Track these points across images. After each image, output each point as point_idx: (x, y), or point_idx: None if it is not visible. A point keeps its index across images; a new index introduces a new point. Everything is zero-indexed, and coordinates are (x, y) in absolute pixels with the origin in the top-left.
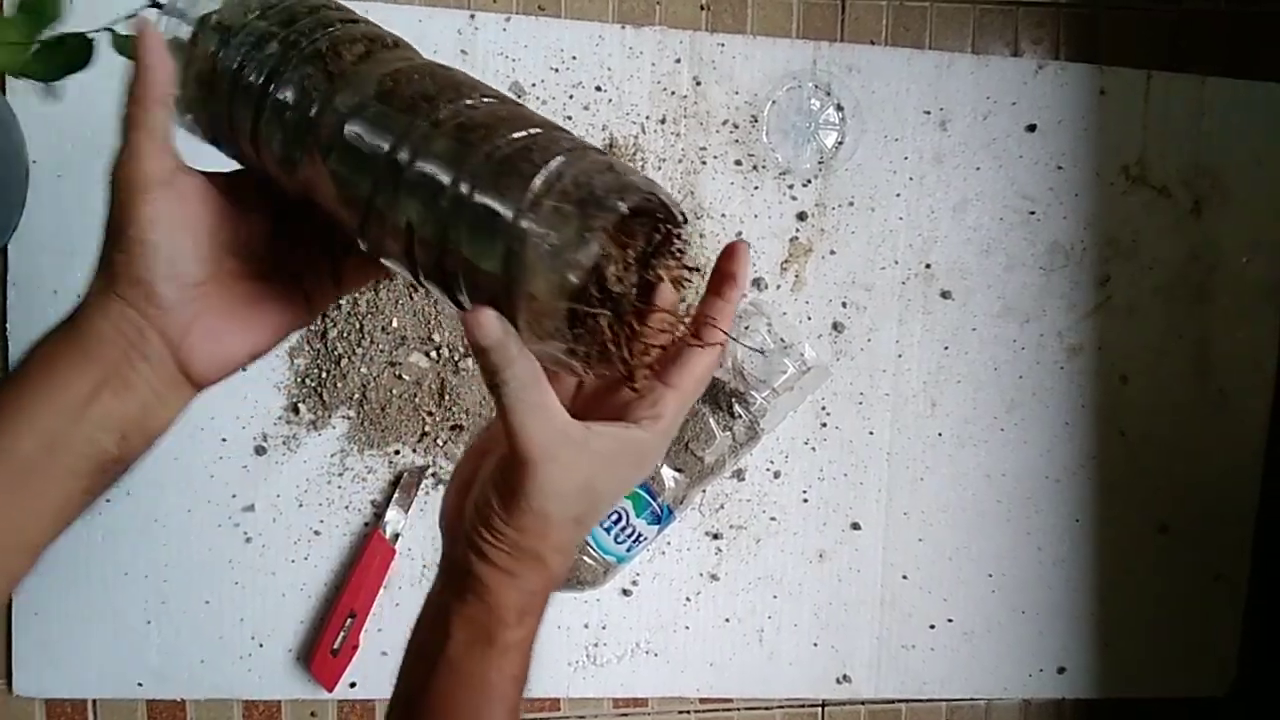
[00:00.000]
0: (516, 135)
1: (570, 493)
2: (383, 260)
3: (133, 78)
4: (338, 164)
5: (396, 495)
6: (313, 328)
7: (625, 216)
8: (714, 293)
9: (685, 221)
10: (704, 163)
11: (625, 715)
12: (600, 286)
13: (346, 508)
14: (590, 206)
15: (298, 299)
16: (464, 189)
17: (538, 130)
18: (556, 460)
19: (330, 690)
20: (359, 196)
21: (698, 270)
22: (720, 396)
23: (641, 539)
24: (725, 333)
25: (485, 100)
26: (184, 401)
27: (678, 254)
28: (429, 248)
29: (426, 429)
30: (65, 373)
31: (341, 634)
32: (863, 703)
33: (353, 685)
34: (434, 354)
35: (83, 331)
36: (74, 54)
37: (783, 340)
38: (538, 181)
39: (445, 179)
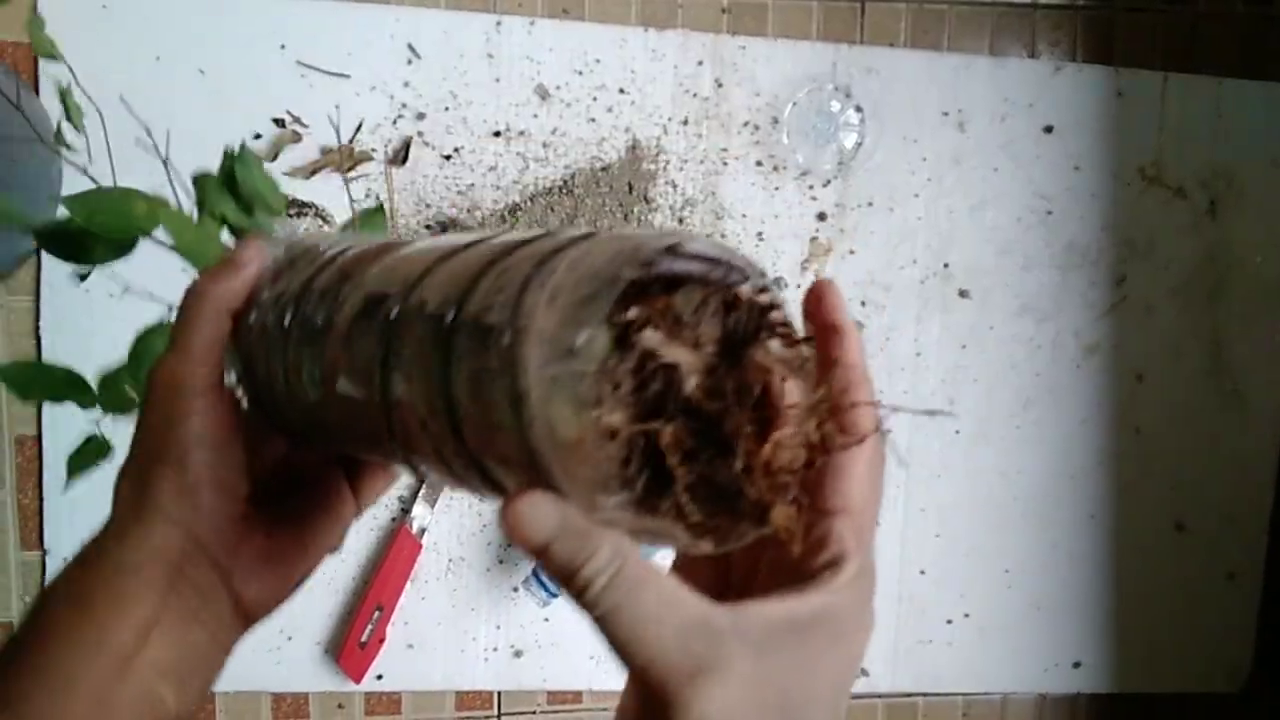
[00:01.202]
0: (525, 254)
1: (748, 717)
2: (413, 462)
3: (213, 273)
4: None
5: (423, 491)
6: None
7: (650, 284)
8: (829, 360)
9: (764, 277)
10: (725, 164)
11: None
12: (670, 394)
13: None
14: (587, 287)
15: (329, 515)
16: (453, 321)
17: (541, 248)
18: (711, 674)
19: (358, 682)
20: (371, 390)
21: (810, 342)
22: None
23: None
24: (877, 406)
25: (486, 244)
26: (235, 642)
27: (779, 328)
28: (440, 423)
29: None
30: (104, 615)
31: (369, 627)
32: (880, 697)
33: (379, 677)
34: None
35: (118, 563)
36: None
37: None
38: (531, 294)
39: (437, 317)
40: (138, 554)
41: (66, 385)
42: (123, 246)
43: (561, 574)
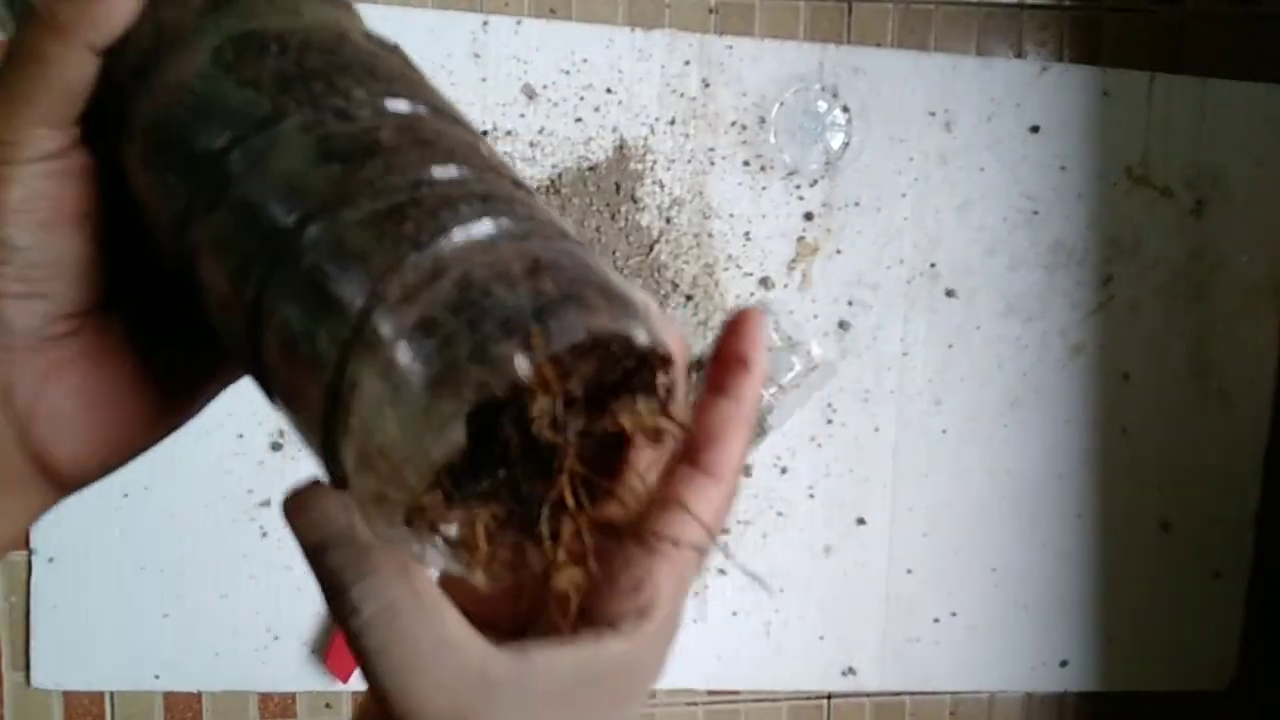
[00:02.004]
0: (433, 175)
1: None
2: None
3: None
4: (150, 159)
5: None
6: None
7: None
8: (717, 389)
9: (667, 361)
10: (712, 163)
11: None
12: (516, 428)
13: None
14: (469, 349)
15: (179, 380)
16: (310, 238)
17: (463, 172)
18: None
19: (345, 682)
20: (172, 209)
21: (684, 428)
22: None
23: None
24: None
25: (406, 107)
26: (29, 512)
27: (657, 393)
28: (248, 318)
29: None
30: None
31: None
32: (868, 695)
33: None
34: None
35: None
36: None
37: (790, 338)
38: (412, 264)
39: (287, 218)
40: None
41: None
42: None
43: (328, 589)
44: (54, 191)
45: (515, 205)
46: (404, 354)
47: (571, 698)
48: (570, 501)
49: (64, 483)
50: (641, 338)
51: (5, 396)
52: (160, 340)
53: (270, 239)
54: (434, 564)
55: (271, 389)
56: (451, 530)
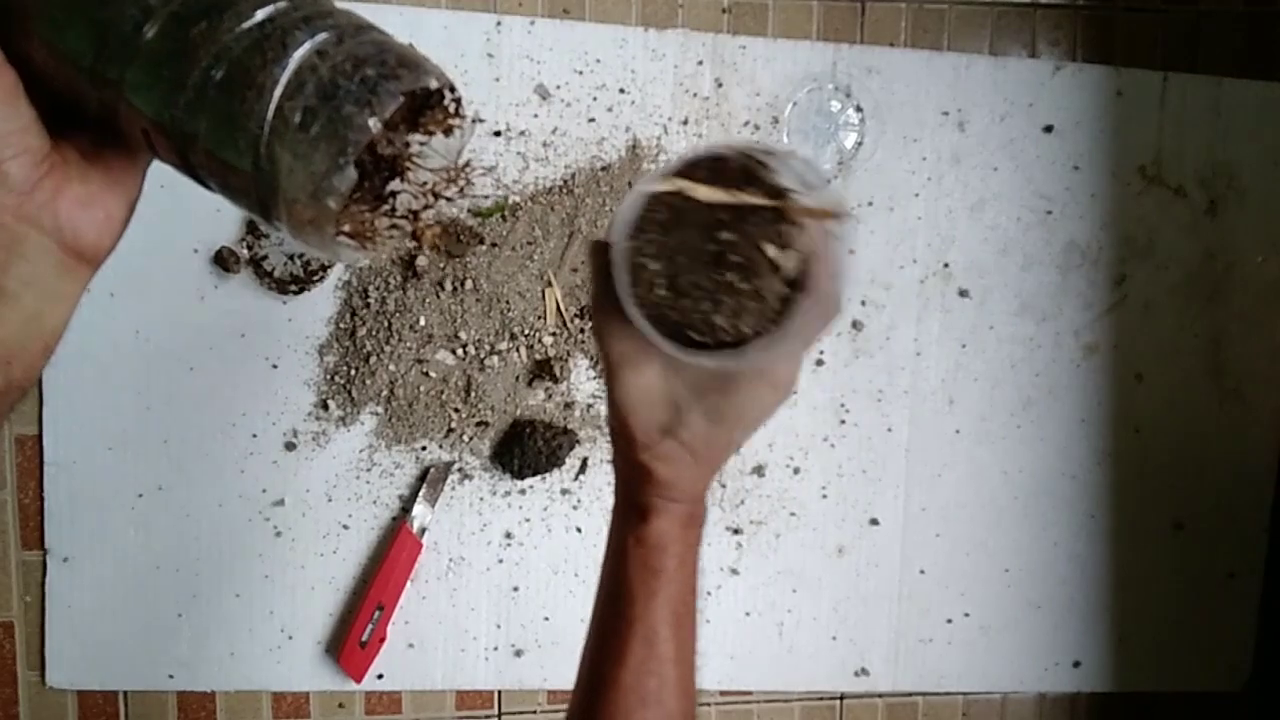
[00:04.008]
0: (259, 14)
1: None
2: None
3: None
4: (49, 27)
5: (423, 490)
6: (341, 325)
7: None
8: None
9: (451, 88)
10: None
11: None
12: (373, 157)
13: (374, 502)
14: (341, 124)
15: (120, 158)
16: (211, 75)
17: (281, 5)
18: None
19: (358, 682)
20: (81, 68)
21: (470, 120)
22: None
23: None
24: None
25: None
26: (81, 286)
27: (448, 107)
28: (172, 140)
29: (453, 425)
30: None
31: (369, 626)
32: (880, 696)
33: (380, 677)
34: (460, 351)
35: None
36: None
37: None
38: (281, 84)
39: (190, 66)
40: None
41: None
42: None
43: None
44: (4, 71)
45: (326, 19)
46: (302, 134)
47: (720, 385)
48: (413, 186)
49: (95, 257)
50: (431, 83)
51: (36, 224)
52: (96, 142)
53: (180, 86)
54: (347, 258)
55: (204, 179)
56: (350, 228)
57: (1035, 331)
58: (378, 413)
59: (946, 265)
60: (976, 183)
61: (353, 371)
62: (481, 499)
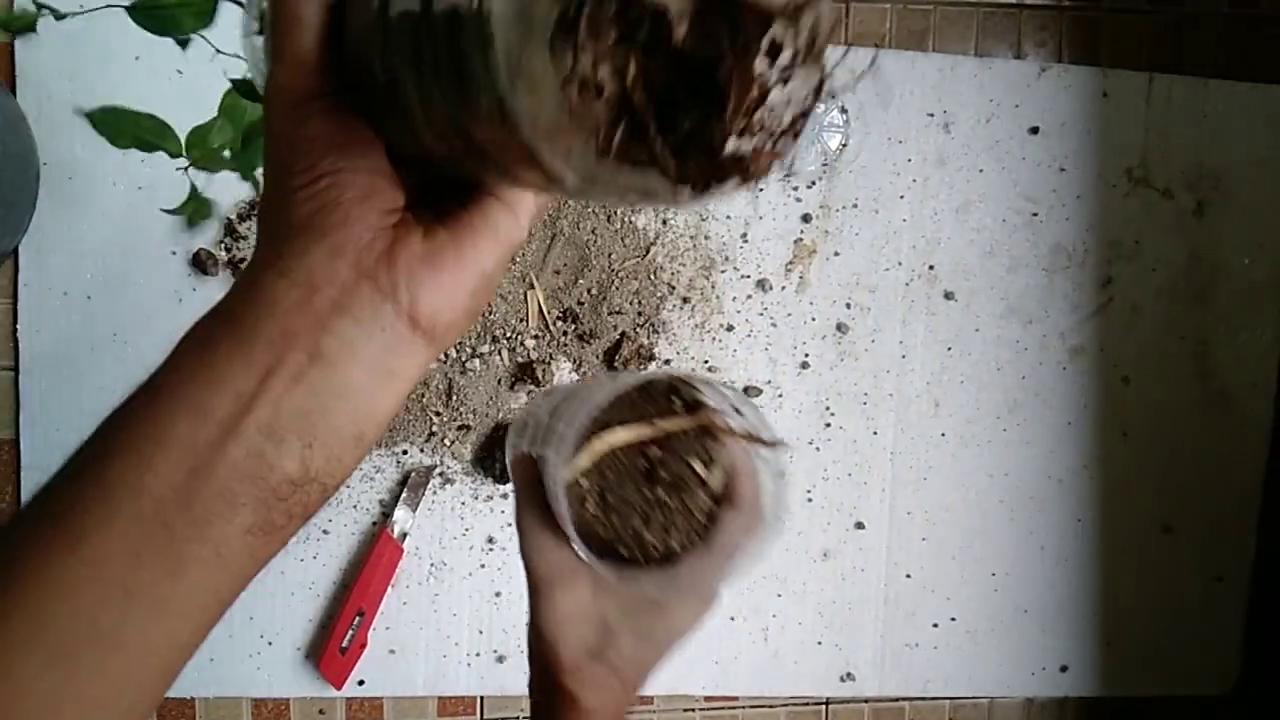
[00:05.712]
0: None
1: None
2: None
3: None
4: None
5: (404, 494)
6: None
7: None
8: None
9: None
10: None
11: (631, 713)
12: (659, 43)
13: (355, 507)
14: None
15: (490, 202)
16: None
17: None
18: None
19: (339, 688)
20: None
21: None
22: None
23: None
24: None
25: None
26: (415, 367)
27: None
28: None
29: (434, 429)
30: (226, 362)
31: (350, 632)
32: (866, 701)
33: (361, 683)
34: (441, 355)
35: (251, 301)
36: None
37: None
38: None
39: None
40: (268, 289)
41: (155, 133)
42: (203, 14)
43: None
44: (341, 120)
45: None
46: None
47: (650, 605)
48: (744, 95)
49: (432, 329)
50: None
51: (372, 280)
52: (447, 199)
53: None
54: (635, 197)
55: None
56: (634, 169)
57: (1021, 334)
58: None
59: (932, 268)
60: (962, 184)
61: None
62: (463, 503)
